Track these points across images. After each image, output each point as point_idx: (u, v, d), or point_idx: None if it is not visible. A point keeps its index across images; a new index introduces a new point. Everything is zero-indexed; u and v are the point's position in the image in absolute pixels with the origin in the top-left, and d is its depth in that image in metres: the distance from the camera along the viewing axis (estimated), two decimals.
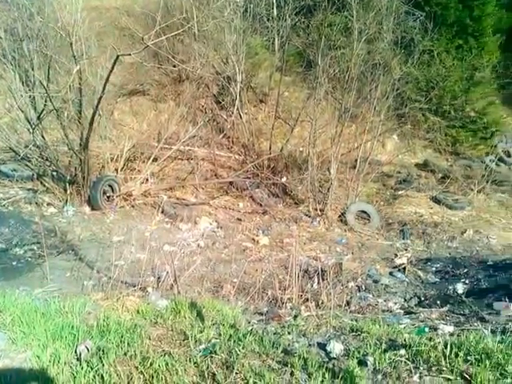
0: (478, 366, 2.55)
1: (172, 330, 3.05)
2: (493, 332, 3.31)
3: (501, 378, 2.45)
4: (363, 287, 5.69)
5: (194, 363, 2.55)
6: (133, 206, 7.61)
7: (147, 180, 7.99)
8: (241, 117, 9.66)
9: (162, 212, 7.53)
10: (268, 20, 10.61)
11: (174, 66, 9.35)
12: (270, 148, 9.42)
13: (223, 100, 10.26)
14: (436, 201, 9.13)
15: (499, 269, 6.35)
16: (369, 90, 8.95)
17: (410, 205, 9.05)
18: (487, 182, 9.45)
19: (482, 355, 2.65)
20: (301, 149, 9.82)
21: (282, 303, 4.41)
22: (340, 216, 8.49)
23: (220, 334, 2.98)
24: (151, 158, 8.19)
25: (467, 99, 10.60)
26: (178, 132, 9.14)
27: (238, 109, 9.60)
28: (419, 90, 10.43)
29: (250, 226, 7.79)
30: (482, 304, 5.07)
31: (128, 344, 2.77)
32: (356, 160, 9.06)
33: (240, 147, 9.74)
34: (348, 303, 4.93)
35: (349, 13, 9.08)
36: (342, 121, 8.78)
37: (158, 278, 4.72)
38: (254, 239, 7.31)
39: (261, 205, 8.55)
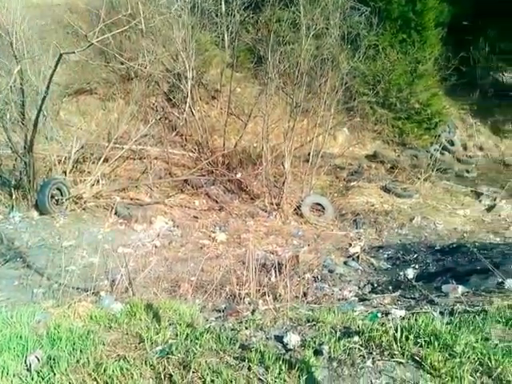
0: (428, 347, 2.65)
1: (127, 334, 3.00)
2: (441, 314, 3.47)
3: (450, 358, 2.55)
4: (319, 278, 5.83)
5: (150, 366, 2.52)
6: (84, 209, 7.38)
7: (98, 181, 7.77)
8: (193, 114, 9.56)
9: (116, 213, 7.35)
10: (216, 16, 10.54)
11: (122, 64, 9.10)
12: (224, 144, 9.39)
13: (174, 97, 10.11)
14: (386, 190, 9.44)
15: (446, 253, 6.68)
16: (318, 84, 9.10)
17: (362, 195, 9.31)
18: (432, 170, 9.86)
19: (431, 337, 2.75)
20: (254, 144, 9.88)
21: (240, 299, 4.44)
22: (295, 209, 8.60)
23: (177, 334, 2.95)
24: (101, 159, 7.96)
25: (412, 91, 10.99)
26: (129, 131, 8.93)
27: (189, 106, 9.48)
28: (366, 84, 10.70)
29: (207, 223, 7.77)
30: (431, 287, 5.30)
31: (80, 351, 2.70)
32: (309, 153, 9.22)
33: (193, 145, 9.65)
34: (305, 294, 5.03)
35: (296, 8, 9.19)
36: (293, 115, 8.90)
37: (113, 281, 4.62)
38: (211, 236, 7.29)
39: (217, 201, 8.53)
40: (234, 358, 2.61)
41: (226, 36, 10.49)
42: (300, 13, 8.83)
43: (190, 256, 6.24)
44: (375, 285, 5.78)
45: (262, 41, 9.56)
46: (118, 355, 2.70)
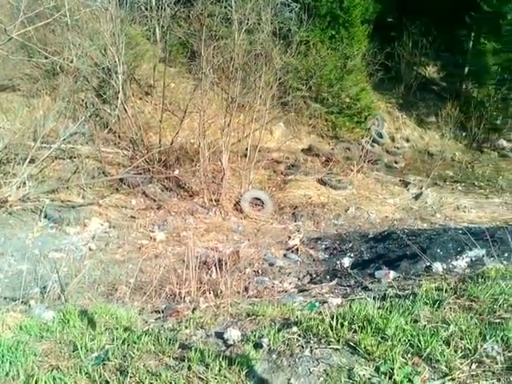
0: (362, 332, 2.73)
1: (60, 343, 2.86)
2: (375, 299, 3.62)
3: (382, 341, 2.64)
4: (260, 271, 5.91)
5: (86, 374, 2.42)
6: (10, 214, 6.90)
7: (25, 183, 7.30)
8: (126, 110, 9.23)
9: (45, 217, 6.96)
10: (146, 9, 10.24)
11: (46, 58, 8.58)
12: (160, 141, 9.18)
13: (105, 93, 9.71)
14: (322, 183, 9.74)
15: (379, 240, 7.00)
16: (253, 79, 9.18)
17: (300, 188, 9.53)
18: (364, 162, 10.32)
19: (365, 322, 2.84)
20: (191, 140, 9.75)
21: (181, 298, 4.39)
22: (235, 205, 8.65)
23: (114, 339, 2.86)
24: (27, 160, 7.47)
25: (342, 86, 11.37)
26: (57, 129, 8.46)
27: (122, 102, 9.15)
28: (300, 79, 10.93)
29: (145, 222, 7.59)
30: (365, 274, 5.54)
31: (10, 363, 2.54)
32: (246, 149, 9.28)
33: (128, 142, 9.33)
34: (246, 289, 5.08)
35: (228, 3, 9.18)
36: (229, 111, 8.90)
37: (44, 288, 4.38)
38: (149, 236, 7.14)
39: (154, 200, 8.35)
40: (173, 358, 2.57)
41: (157, 30, 10.20)
42: (231, 7, 8.82)
43: (127, 257, 6.07)
44: (314, 275, 5.95)
45: (194, 35, 9.40)
46: (51, 365, 2.57)
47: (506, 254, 5.26)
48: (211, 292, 4.46)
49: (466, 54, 13.50)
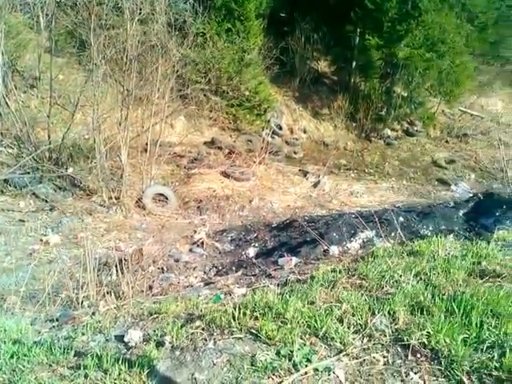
0: (263, 319, 2.80)
1: None
2: (278, 285, 3.75)
3: (282, 325, 2.73)
4: (165, 268, 5.80)
5: None
6: None
7: None
8: (8, 105, 8.40)
9: None
10: None
11: None
12: (50, 138, 8.51)
13: None
14: (225, 175, 9.81)
15: (281, 229, 7.26)
16: (150, 71, 8.87)
17: (204, 182, 9.51)
18: (266, 153, 10.60)
19: (266, 309, 2.91)
20: (86, 136, 9.19)
21: (79, 303, 4.14)
22: (137, 201, 8.36)
23: (1, 354, 2.60)
24: None
25: (241, 80, 11.48)
26: None
27: (3, 96, 8.30)
28: (198, 72, 10.82)
29: (36, 225, 7.01)
30: (269, 262, 5.73)
31: None
32: (147, 143, 8.99)
33: (12, 139, 8.52)
34: (150, 287, 4.96)
35: None
36: (126, 104, 8.51)
37: None
38: (42, 240, 6.62)
39: (46, 201, 7.74)
40: (68, 368, 2.41)
41: (41, 18, 9.36)
42: None
43: (17, 265, 5.57)
44: (220, 267, 6.01)
45: (83, 24, 8.80)
46: None
47: (392, 234, 5.78)
48: (112, 294, 4.28)
49: (353, 49, 14.23)
